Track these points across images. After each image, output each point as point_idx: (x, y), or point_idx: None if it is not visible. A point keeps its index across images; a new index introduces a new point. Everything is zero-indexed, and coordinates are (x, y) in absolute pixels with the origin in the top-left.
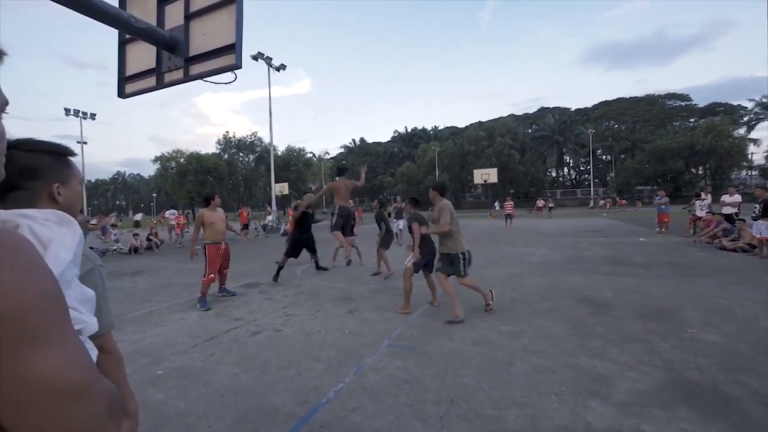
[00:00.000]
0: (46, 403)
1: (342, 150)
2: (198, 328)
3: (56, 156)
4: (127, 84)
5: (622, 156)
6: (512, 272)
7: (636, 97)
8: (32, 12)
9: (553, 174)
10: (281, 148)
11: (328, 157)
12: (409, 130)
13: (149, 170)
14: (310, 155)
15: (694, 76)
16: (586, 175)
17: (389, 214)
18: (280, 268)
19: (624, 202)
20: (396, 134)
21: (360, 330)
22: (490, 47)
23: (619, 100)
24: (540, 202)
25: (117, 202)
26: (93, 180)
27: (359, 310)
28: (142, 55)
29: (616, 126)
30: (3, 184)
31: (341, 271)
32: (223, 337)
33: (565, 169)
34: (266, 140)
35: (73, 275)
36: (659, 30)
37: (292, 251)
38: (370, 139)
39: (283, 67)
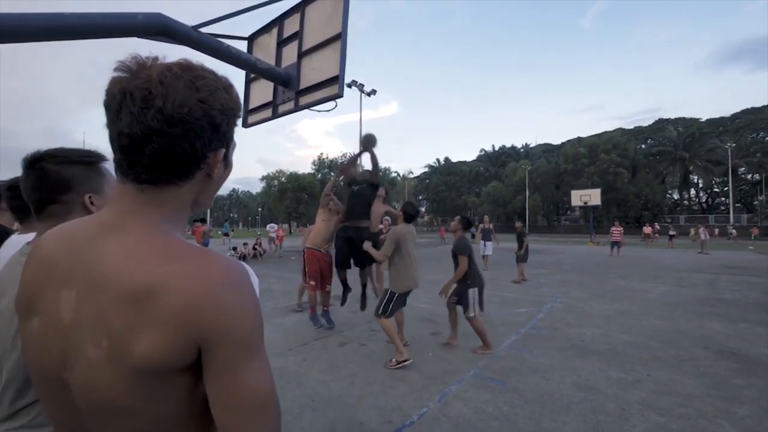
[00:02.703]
0: (251, 411)
1: (426, 169)
2: (293, 333)
3: (87, 165)
4: (249, 116)
5: None
6: (622, 309)
7: None
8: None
9: (675, 196)
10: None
11: (411, 176)
12: (497, 148)
13: (257, 188)
14: (395, 175)
15: None
16: (723, 198)
17: (473, 236)
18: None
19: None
20: (482, 153)
21: (444, 355)
22: (590, 55)
23: None
24: (648, 228)
25: (231, 215)
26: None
27: (442, 334)
28: (262, 91)
29: (767, 138)
30: (38, 199)
31: (426, 290)
32: (314, 345)
33: (693, 191)
34: None
35: None
36: None
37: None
38: (455, 159)
39: (373, 92)
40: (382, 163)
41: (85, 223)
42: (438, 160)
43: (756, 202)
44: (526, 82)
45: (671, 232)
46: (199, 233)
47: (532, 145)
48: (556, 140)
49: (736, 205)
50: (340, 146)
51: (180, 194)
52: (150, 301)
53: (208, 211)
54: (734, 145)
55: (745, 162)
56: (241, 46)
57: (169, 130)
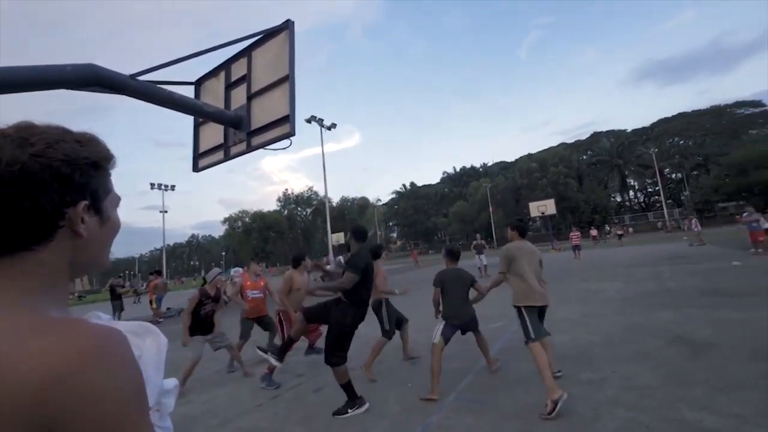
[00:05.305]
0: None
1: (394, 196)
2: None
3: None
4: (200, 159)
5: (695, 173)
6: (586, 312)
7: (699, 110)
8: (130, 108)
9: (618, 199)
10: (336, 199)
11: (380, 203)
12: (458, 169)
13: (219, 231)
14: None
15: (763, 80)
16: (657, 197)
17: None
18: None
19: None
20: (445, 175)
21: (424, 383)
22: (532, 78)
23: (680, 115)
24: (593, 231)
25: (192, 263)
26: (171, 244)
27: (421, 360)
28: (212, 134)
29: (681, 142)
30: None
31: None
32: (286, 395)
33: (631, 193)
34: (322, 193)
35: (154, 386)
36: (713, 40)
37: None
38: (420, 183)
39: (333, 125)
40: (350, 193)
41: None
42: (404, 185)
43: (683, 197)
44: (479, 107)
45: (618, 232)
46: (151, 287)
47: (489, 164)
48: (511, 157)
49: (668, 201)
50: (306, 180)
51: (42, 261)
52: None
53: (164, 261)
54: (657, 150)
55: (668, 164)
56: (189, 91)
57: (2, 191)
